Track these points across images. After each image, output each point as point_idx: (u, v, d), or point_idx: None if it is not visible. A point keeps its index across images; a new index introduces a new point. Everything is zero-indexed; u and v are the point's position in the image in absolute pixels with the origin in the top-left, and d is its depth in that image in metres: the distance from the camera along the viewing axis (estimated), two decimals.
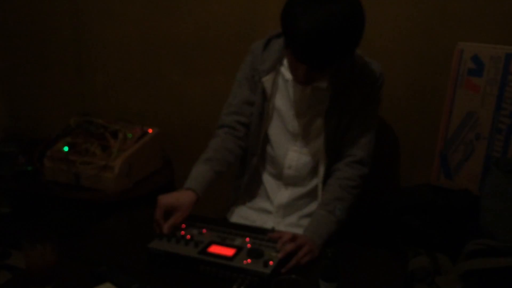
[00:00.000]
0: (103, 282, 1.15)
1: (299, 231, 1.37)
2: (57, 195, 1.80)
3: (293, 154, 1.52)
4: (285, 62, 1.46)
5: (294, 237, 1.28)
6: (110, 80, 2.19)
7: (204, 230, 1.35)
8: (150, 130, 1.95)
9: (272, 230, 1.36)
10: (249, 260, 1.20)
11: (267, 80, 1.47)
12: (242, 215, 1.61)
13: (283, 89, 1.49)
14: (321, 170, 1.49)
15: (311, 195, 1.55)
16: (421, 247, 1.38)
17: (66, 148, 1.81)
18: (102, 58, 2.16)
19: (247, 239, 1.30)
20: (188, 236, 1.30)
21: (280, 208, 1.56)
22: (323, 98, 1.43)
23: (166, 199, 1.35)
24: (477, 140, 1.56)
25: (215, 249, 1.26)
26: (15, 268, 1.91)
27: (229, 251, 1.24)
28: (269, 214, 1.58)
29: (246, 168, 1.60)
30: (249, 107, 1.54)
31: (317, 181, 1.51)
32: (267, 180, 1.59)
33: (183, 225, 1.38)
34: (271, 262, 1.18)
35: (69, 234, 1.40)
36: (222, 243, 1.28)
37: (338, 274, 0.91)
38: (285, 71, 1.46)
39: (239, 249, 1.25)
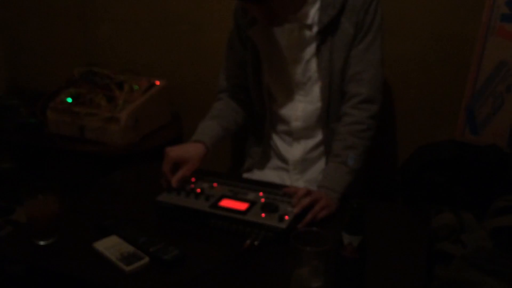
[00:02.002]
0: (109, 235, 1.09)
1: None
2: (61, 148, 1.73)
3: (298, 105, 1.45)
4: None
5: (309, 192, 1.21)
6: (115, 29, 2.09)
7: (215, 184, 1.29)
8: (158, 82, 1.86)
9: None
10: (263, 215, 1.14)
11: (253, 33, 1.39)
12: (258, 176, 1.55)
13: (271, 38, 1.41)
14: (324, 118, 1.41)
15: (323, 146, 1.48)
16: (443, 205, 1.31)
17: (69, 99, 1.73)
18: (107, 6, 2.06)
19: (261, 194, 1.24)
20: (198, 190, 1.24)
21: (296, 165, 1.50)
22: (312, 38, 1.34)
23: (175, 151, 1.29)
24: (508, 92, 1.45)
25: (227, 203, 1.20)
26: (18, 223, 1.87)
27: (241, 205, 1.18)
28: (286, 172, 1.52)
29: (260, 135, 1.54)
30: (243, 68, 1.47)
31: (325, 129, 1.43)
32: (278, 138, 1.54)
33: (193, 179, 1.32)
34: (286, 217, 1.12)
35: (74, 188, 1.34)
36: (234, 197, 1.22)
37: (364, 227, 0.84)
38: None
39: (252, 203, 1.19)
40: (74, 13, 2.13)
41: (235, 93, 1.51)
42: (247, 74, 1.47)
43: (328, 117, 1.41)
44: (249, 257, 1.04)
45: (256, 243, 1.07)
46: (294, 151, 1.50)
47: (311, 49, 1.36)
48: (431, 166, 1.39)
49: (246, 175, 1.57)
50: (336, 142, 1.35)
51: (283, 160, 1.53)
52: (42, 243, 1.08)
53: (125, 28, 2.06)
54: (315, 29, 1.34)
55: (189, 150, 1.32)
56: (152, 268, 1.00)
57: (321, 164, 1.49)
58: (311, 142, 1.48)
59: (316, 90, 1.40)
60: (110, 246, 1.05)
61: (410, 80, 1.69)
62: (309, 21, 1.34)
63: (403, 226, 1.22)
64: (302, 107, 1.44)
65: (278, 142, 1.53)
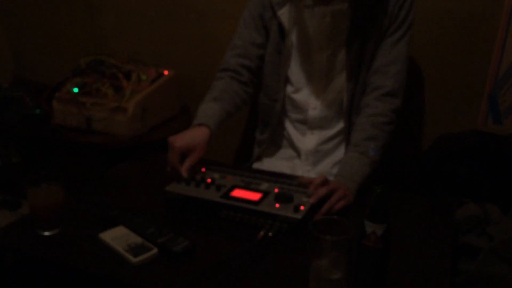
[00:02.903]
0: (115, 226, 1.04)
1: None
2: (68, 140, 1.69)
3: (318, 93, 1.39)
4: None
5: (326, 181, 1.15)
6: (122, 19, 2.04)
7: (226, 175, 1.23)
8: (166, 72, 1.81)
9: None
10: (277, 205, 1.08)
11: (282, 14, 1.34)
12: (267, 166, 1.50)
13: (300, 22, 1.36)
14: (347, 108, 1.35)
15: (339, 138, 1.43)
16: (466, 197, 1.24)
17: (75, 89, 1.68)
18: None
19: (274, 184, 1.18)
20: (209, 180, 1.19)
21: (308, 155, 1.45)
22: (344, 26, 1.29)
23: (181, 140, 1.24)
24: None
25: (239, 193, 1.14)
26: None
27: (254, 196, 1.12)
28: (298, 163, 1.47)
29: (269, 119, 1.48)
30: (255, 49, 1.42)
31: (343, 122, 1.38)
32: (291, 127, 1.48)
33: (203, 169, 1.27)
34: (302, 207, 1.06)
35: (80, 180, 1.29)
36: (246, 187, 1.17)
37: (388, 214, 0.77)
38: None
39: (265, 193, 1.13)
40: (80, 3, 2.08)
41: (239, 74, 1.44)
42: (265, 57, 1.42)
43: (351, 108, 1.35)
44: (263, 249, 0.99)
45: (270, 234, 1.02)
46: (308, 141, 1.44)
47: (341, 37, 1.31)
48: (453, 157, 1.33)
49: (255, 165, 1.52)
50: (356, 132, 1.30)
51: (295, 150, 1.48)
52: (46, 233, 1.03)
53: (132, 17, 2.02)
54: (348, 17, 1.28)
55: (195, 137, 1.26)
56: (161, 260, 0.95)
57: (334, 157, 1.44)
58: (327, 133, 1.43)
59: (340, 80, 1.35)
60: (117, 237, 1.00)
61: (429, 67, 1.62)
62: (343, 8, 1.28)
63: (426, 217, 1.16)
64: (322, 96, 1.39)
65: (291, 130, 1.48)
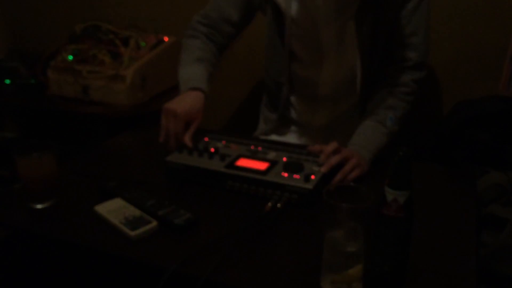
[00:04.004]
0: (112, 198, 0.97)
1: None
2: (64, 110, 1.61)
3: (328, 68, 1.30)
4: None
5: (338, 149, 1.07)
6: None
7: (230, 144, 1.16)
8: (166, 38, 1.71)
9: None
10: (285, 175, 1.00)
11: None
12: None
13: None
14: (359, 83, 1.26)
15: (350, 113, 1.34)
16: (488, 165, 1.16)
17: (70, 57, 1.60)
18: None
19: (282, 153, 1.10)
20: (212, 149, 1.11)
21: (320, 130, 1.38)
22: None
23: (184, 107, 1.15)
24: None
25: (244, 162, 1.07)
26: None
27: (261, 165, 1.05)
28: (309, 138, 1.39)
29: (277, 101, 1.39)
30: (227, 27, 1.31)
31: (356, 97, 1.29)
32: (301, 104, 1.39)
33: (206, 138, 1.19)
34: (312, 176, 0.99)
35: (77, 152, 1.22)
36: (252, 157, 1.09)
37: (411, 180, 0.69)
38: None
39: (273, 163, 1.06)
40: None
41: (215, 34, 1.32)
42: (230, 37, 1.33)
43: (365, 84, 1.26)
44: (271, 222, 0.92)
45: (278, 206, 0.95)
46: (319, 116, 1.37)
47: (350, 9, 1.19)
48: (473, 123, 1.24)
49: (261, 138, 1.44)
50: (374, 101, 1.21)
51: (305, 126, 1.40)
52: (38, 206, 0.97)
53: None
54: None
55: (194, 103, 1.17)
56: (161, 234, 0.88)
57: (347, 131, 1.34)
58: (338, 109, 1.35)
59: (350, 54, 1.24)
60: (114, 210, 0.93)
61: (447, 28, 1.51)
62: None
63: (446, 188, 1.08)
64: (331, 71, 1.30)
65: (300, 106, 1.40)
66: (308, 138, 1.40)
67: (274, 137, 1.44)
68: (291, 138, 1.42)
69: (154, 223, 0.89)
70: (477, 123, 1.23)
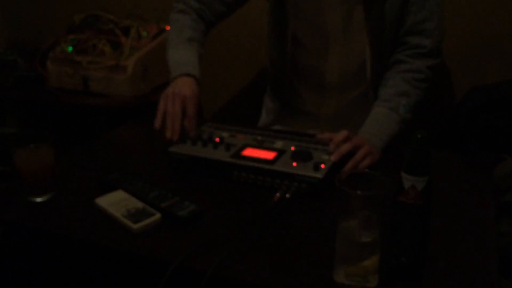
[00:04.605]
0: (114, 190, 0.93)
1: None
2: (64, 103, 1.58)
3: (335, 57, 1.25)
4: None
5: (349, 137, 1.03)
6: None
7: (235, 133, 1.12)
8: (168, 28, 1.66)
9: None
10: (294, 164, 0.96)
11: None
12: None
13: None
14: (369, 70, 1.21)
15: (359, 101, 1.29)
16: (505, 152, 1.11)
17: (70, 48, 1.56)
18: None
19: (290, 142, 1.06)
20: (217, 139, 1.07)
21: (327, 119, 1.33)
22: None
23: (192, 91, 1.11)
24: None
25: (251, 152, 1.03)
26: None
27: (268, 154, 1.01)
28: (315, 127, 1.34)
29: (280, 91, 1.36)
30: (220, 6, 1.26)
31: (366, 85, 1.25)
32: (307, 93, 1.35)
33: (209, 128, 1.15)
34: (322, 165, 0.95)
35: (78, 144, 1.19)
36: (259, 146, 1.05)
37: (430, 165, 0.65)
38: None
39: (281, 152, 1.02)
40: None
41: (206, 12, 1.27)
42: (220, 15, 1.28)
43: (375, 71, 1.21)
44: (279, 212, 0.88)
45: (287, 196, 0.91)
46: (327, 105, 1.33)
47: None
48: (488, 108, 1.19)
49: None
50: (386, 87, 1.16)
51: (311, 115, 1.36)
52: (37, 200, 0.93)
53: None
54: None
55: (194, 89, 1.13)
56: (164, 226, 0.84)
57: (357, 120, 1.30)
58: (346, 97, 1.31)
59: (358, 41, 1.20)
60: (115, 202, 0.89)
61: (461, 13, 1.46)
62: None
63: (462, 176, 1.05)
64: (339, 58, 1.25)
65: (306, 95, 1.35)
66: (315, 127, 1.36)
67: (278, 128, 1.39)
68: (297, 128, 1.38)
69: (157, 216, 0.85)
70: (492, 108, 1.18)
